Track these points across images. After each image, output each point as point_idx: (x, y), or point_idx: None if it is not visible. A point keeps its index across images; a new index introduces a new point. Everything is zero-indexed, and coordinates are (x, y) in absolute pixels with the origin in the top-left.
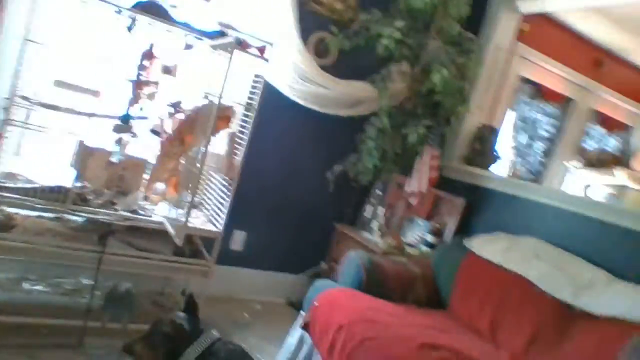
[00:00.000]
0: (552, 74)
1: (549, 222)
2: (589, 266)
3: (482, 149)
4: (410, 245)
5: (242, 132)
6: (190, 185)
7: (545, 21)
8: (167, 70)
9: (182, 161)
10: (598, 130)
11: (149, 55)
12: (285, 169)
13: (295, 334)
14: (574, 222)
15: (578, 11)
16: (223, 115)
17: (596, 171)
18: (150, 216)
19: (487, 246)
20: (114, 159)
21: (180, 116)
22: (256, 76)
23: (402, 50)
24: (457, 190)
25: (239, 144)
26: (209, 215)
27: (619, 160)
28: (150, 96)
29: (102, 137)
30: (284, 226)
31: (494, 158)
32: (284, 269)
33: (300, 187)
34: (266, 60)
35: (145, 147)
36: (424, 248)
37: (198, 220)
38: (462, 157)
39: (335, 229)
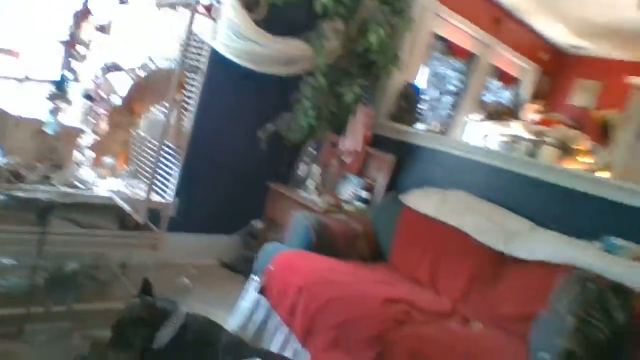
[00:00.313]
0: (460, 30)
1: (472, 175)
2: (513, 216)
3: (408, 106)
4: (345, 201)
5: (188, 97)
6: (142, 158)
7: None
8: (100, 29)
9: (133, 132)
10: (495, 84)
11: (83, 12)
12: (217, 128)
13: (249, 297)
14: (494, 175)
15: None
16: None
17: (495, 123)
18: (92, 190)
19: (422, 201)
20: (48, 130)
21: (116, 79)
22: (191, 33)
23: (337, 8)
24: (386, 147)
25: (186, 110)
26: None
27: (512, 111)
28: (82, 58)
29: (25, 104)
30: (216, 187)
31: (419, 115)
32: (216, 230)
33: (232, 147)
34: (214, 19)
35: (76, 113)
36: (358, 204)
37: (141, 191)
38: (389, 114)
39: (269, 188)
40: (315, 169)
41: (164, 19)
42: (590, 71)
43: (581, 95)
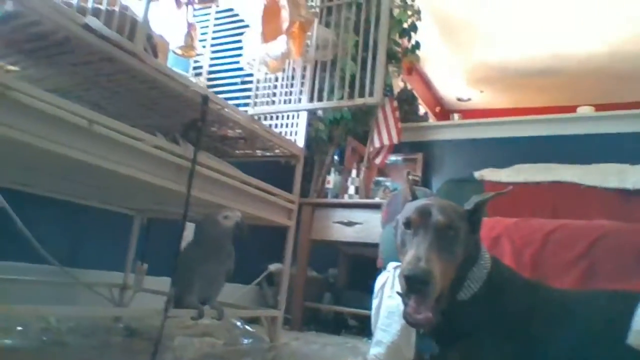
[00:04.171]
0: None
1: (511, 152)
2: (599, 165)
3: (410, 109)
4: None
5: None
6: None
7: None
8: None
9: None
10: None
11: None
12: None
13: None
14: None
15: None
16: None
17: None
18: None
19: (495, 175)
20: None
21: None
22: None
23: None
24: (406, 148)
25: None
26: None
27: None
28: None
29: None
30: None
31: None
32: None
33: None
34: None
35: None
36: None
37: None
38: None
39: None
40: (353, 173)
41: None
42: None
43: None
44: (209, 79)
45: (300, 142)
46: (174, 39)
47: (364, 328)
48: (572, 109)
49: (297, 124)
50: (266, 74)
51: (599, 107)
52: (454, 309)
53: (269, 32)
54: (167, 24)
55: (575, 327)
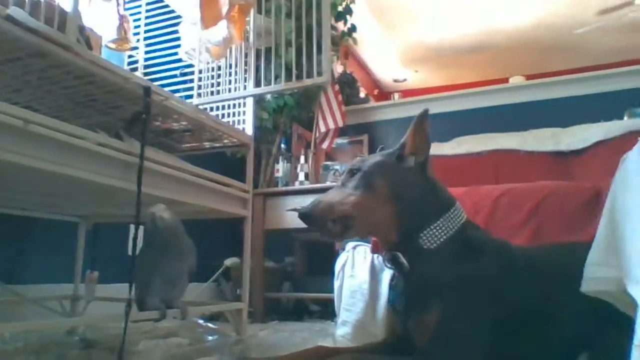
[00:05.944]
0: None
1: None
2: (533, 130)
3: (352, 92)
4: None
5: None
6: None
7: None
8: None
9: None
10: None
11: None
12: None
13: (360, 269)
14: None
15: None
16: None
17: None
18: None
19: (442, 147)
20: None
21: None
22: None
23: None
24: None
25: None
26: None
27: None
28: None
29: None
30: None
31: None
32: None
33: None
34: None
35: None
36: None
37: None
38: None
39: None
40: (302, 160)
41: None
42: None
43: None
44: (146, 73)
45: (249, 131)
46: (106, 34)
47: (326, 311)
48: (505, 81)
49: (244, 112)
50: (208, 63)
51: (528, 78)
52: (419, 257)
53: (209, 17)
54: (98, 18)
55: (542, 282)
